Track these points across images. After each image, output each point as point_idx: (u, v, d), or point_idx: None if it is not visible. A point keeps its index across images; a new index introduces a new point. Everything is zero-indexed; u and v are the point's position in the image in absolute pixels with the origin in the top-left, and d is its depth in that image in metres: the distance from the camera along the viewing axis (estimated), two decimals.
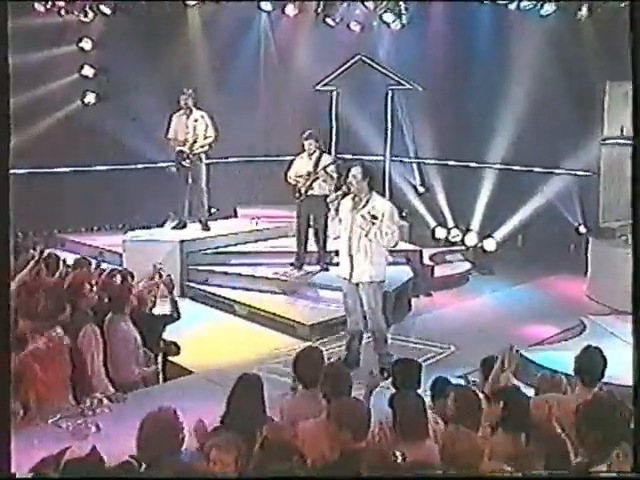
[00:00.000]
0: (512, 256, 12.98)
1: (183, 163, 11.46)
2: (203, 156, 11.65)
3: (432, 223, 13.81)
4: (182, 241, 11.22)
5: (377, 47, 14.06)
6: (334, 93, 14.10)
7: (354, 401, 5.04)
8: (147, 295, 8.10)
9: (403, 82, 13.56)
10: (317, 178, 10.48)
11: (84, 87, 13.06)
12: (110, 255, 11.39)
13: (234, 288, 10.79)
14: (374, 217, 7.96)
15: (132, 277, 8.57)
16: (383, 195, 13.46)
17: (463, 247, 13.28)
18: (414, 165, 14.07)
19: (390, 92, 13.90)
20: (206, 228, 11.86)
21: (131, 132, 12.70)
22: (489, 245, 13.12)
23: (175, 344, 8.29)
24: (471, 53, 13.13)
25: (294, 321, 9.67)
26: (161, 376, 7.82)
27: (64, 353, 6.72)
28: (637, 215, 3.33)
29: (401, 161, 14.15)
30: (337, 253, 8.68)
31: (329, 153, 12.96)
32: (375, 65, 13.74)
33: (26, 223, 12.20)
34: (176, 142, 11.52)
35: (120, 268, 8.95)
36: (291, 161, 10.88)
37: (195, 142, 11.46)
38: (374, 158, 13.56)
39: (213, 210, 13.39)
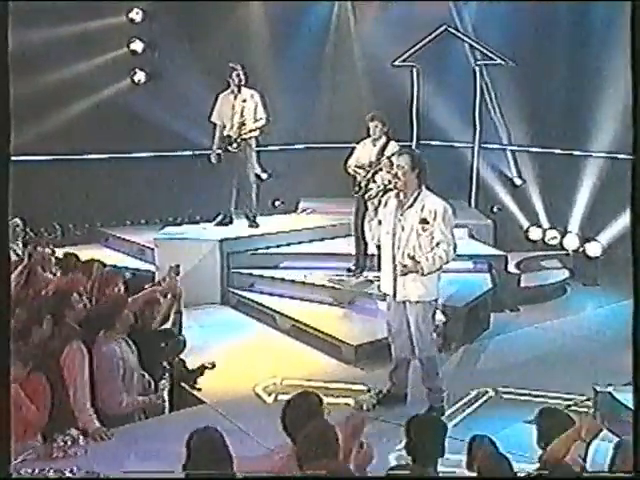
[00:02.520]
0: (621, 263, 10.94)
1: (229, 149, 10.16)
2: (253, 142, 10.34)
3: (525, 223, 11.90)
4: (222, 240, 9.84)
5: (456, 16, 12.25)
6: (414, 70, 12.39)
7: None
8: (150, 307, 6.85)
9: (494, 57, 11.69)
10: (380, 169, 8.81)
11: (133, 64, 11.85)
12: (153, 253, 10.18)
13: (280, 296, 9.41)
14: (424, 220, 6.38)
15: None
16: (470, 188, 11.96)
17: (561, 252, 11.35)
18: (508, 154, 12.14)
19: (478, 69, 12.07)
20: (254, 225, 10.42)
21: (185, 116, 11.42)
22: (593, 249, 11.17)
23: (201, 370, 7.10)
24: (575, 24, 11.27)
25: (339, 340, 8.19)
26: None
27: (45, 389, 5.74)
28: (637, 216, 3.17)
29: (494, 148, 12.28)
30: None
31: (410, 140, 11.46)
32: (464, 37, 11.94)
33: (64, 215, 11.23)
34: (222, 126, 10.26)
35: (123, 273, 7.66)
36: (353, 148, 9.33)
37: (243, 125, 10.13)
38: (461, 145, 12.13)
39: (277, 203, 12.18)
